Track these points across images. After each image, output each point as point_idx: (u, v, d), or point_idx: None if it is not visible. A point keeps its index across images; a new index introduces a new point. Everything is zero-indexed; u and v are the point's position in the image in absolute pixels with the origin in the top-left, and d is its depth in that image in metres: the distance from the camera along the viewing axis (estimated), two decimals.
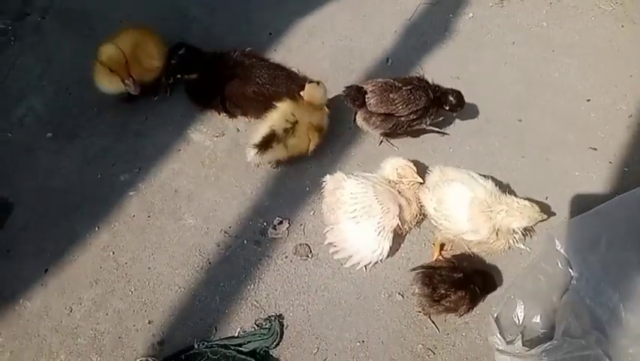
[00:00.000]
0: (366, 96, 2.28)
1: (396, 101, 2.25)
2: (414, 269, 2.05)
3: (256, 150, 2.20)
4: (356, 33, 2.84)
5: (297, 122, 2.24)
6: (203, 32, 2.74)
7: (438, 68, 2.74)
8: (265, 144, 2.21)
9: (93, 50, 2.59)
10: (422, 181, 2.17)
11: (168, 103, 2.52)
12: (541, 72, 2.77)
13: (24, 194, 2.25)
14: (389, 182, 2.14)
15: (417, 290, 1.96)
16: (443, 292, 1.92)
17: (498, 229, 1.99)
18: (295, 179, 2.35)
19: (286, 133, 2.22)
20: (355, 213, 2.08)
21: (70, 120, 2.45)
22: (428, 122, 2.36)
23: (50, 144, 2.39)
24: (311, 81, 2.32)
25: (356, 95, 2.29)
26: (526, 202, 2.02)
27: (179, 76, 2.43)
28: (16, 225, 2.18)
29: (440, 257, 2.11)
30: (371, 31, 2.85)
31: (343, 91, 2.32)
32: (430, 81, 2.37)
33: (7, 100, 2.49)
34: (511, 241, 2.03)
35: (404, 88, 2.27)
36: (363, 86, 2.32)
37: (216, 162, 2.38)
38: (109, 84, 2.32)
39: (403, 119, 2.29)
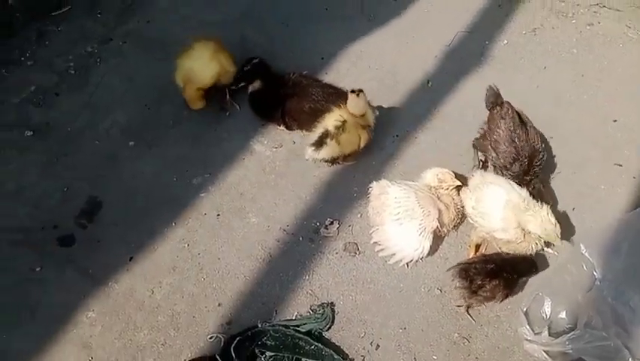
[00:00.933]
0: (502, 116, 2.51)
1: (504, 143, 2.45)
2: (451, 268, 2.30)
3: (313, 148, 2.53)
4: (399, 58, 3.13)
5: (345, 120, 2.55)
6: (264, 56, 3.06)
7: (475, 90, 3.00)
8: (320, 141, 2.54)
9: (167, 71, 2.99)
10: (460, 184, 2.43)
11: (234, 118, 2.85)
12: (570, 94, 3.00)
13: (111, 194, 2.60)
14: (429, 189, 2.41)
15: (457, 285, 2.21)
16: (479, 283, 2.16)
17: (523, 231, 2.22)
18: (343, 185, 2.64)
19: (337, 130, 2.54)
20: (399, 216, 2.35)
21: (149, 132, 2.80)
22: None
23: (132, 151, 2.74)
24: (352, 90, 2.55)
25: (496, 99, 2.59)
26: (552, 218, 2.21)
27: (243, 84, 2.76)
28: (105, 220, 2.52)
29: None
30: (413, 56, 3.14)
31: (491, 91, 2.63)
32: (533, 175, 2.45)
33: (96, 114, 2.86)
34: (533, 245, 2.25)
35: (520, 148, 2.43)
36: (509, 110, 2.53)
37: (275, 169, 2.69)
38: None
39: (493, 155, 2.49)
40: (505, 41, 3.23)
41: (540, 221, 2.21)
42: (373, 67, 3.10)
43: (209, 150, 2.75)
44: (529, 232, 2.24)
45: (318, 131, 2.58)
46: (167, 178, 2.65)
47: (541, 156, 2.46)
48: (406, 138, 2.81)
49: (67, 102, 2.90)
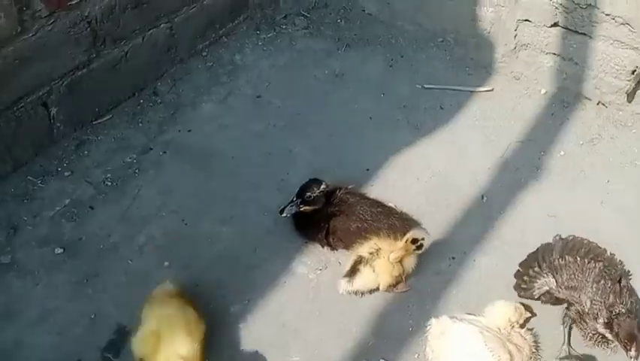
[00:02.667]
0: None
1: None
2: None
3: (346, 278, 2.36)
4: (450, 169, 2.96)
5: (380, 248, 2.39)
6: (307, 167, 2.95)
7: (533, 206, 2.79)
8: (353, 270, 2.36)
9: (207, 183, 2.87)
10: (535, 315, 2.20)
11: (274, 236, 2.66)
12: (639, 212, 2.75)
13: None
14: (499, 329, 2.13)
15: None
16: None
17: None
18: (397, 317, 2.37)
19: (372, 255, 2.37)
20: None
21: (185, 250, 2.62)
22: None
23: (167, 273, 2.53)
24: (415, 244, 2.38)
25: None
26: None
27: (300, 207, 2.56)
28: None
29: None
30: (464, 168, 2.96)
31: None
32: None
33: (130, 229, 2.71)
34: None
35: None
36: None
37: (320, 295, 2.45)
38: None
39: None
40: (562, 152, 3.05)
41: None
42: (422, 179, 2.93)
43: (247, 272, 2.54)
44: None
45: (350, 260, 2.42)
46: (202, 305, 2.42)
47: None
48: (464, 261, 2.57)
49: (102, 216, 2.77)
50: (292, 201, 2.57)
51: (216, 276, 2.53)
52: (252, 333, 2.33)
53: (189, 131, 3.15)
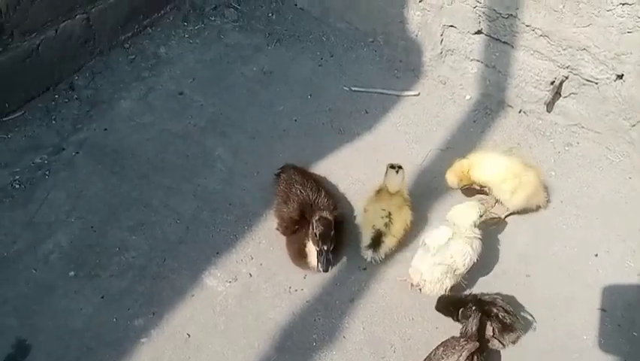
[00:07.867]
0: None
1: None
2: None
3: (371, 250, 2.49)
4: (369, 177, 2.94)
5: (390, 213, 2.52)
6: (225, 172, 2.91)
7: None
8: (376, 242, 2.49)
9: (120, 187, 2.79)
10: None
11: (186, 246, 2.62)
12: (549, 223, 2.81)
13: (42, 335, 2.32)
14: None
15: None
16: None
17: None
18: (303, 333, 2.38)
19: (387, 227, 2.51)
20: None
21: (92, 259, 2.56)
22: None
23: (72, 283, 2.48)
24: (392, 166, 2.61)
25: None
26: None
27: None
28: None
29: None
30: (382, 175, 2.96)
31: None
32: None
33: (36, 235, 2.62)
34: None
35: None
36: None
37: (227, 309, 2.44)
38: None
39: None
40: None
41: None
42: (342, 185, 2.92)
43: (155, 283, 2.50)
44: None
45: (367, 231, 2.51)
46: (106, 317, 2.39)
47: None
48: (374, 271, 2.59)
49: (7, 222, 2.67)
50: (321, 252, 2.37)
51: (122, 286, 2.48)
52: (155, 348, 2.31)
53: (105, 130, 3.05)
